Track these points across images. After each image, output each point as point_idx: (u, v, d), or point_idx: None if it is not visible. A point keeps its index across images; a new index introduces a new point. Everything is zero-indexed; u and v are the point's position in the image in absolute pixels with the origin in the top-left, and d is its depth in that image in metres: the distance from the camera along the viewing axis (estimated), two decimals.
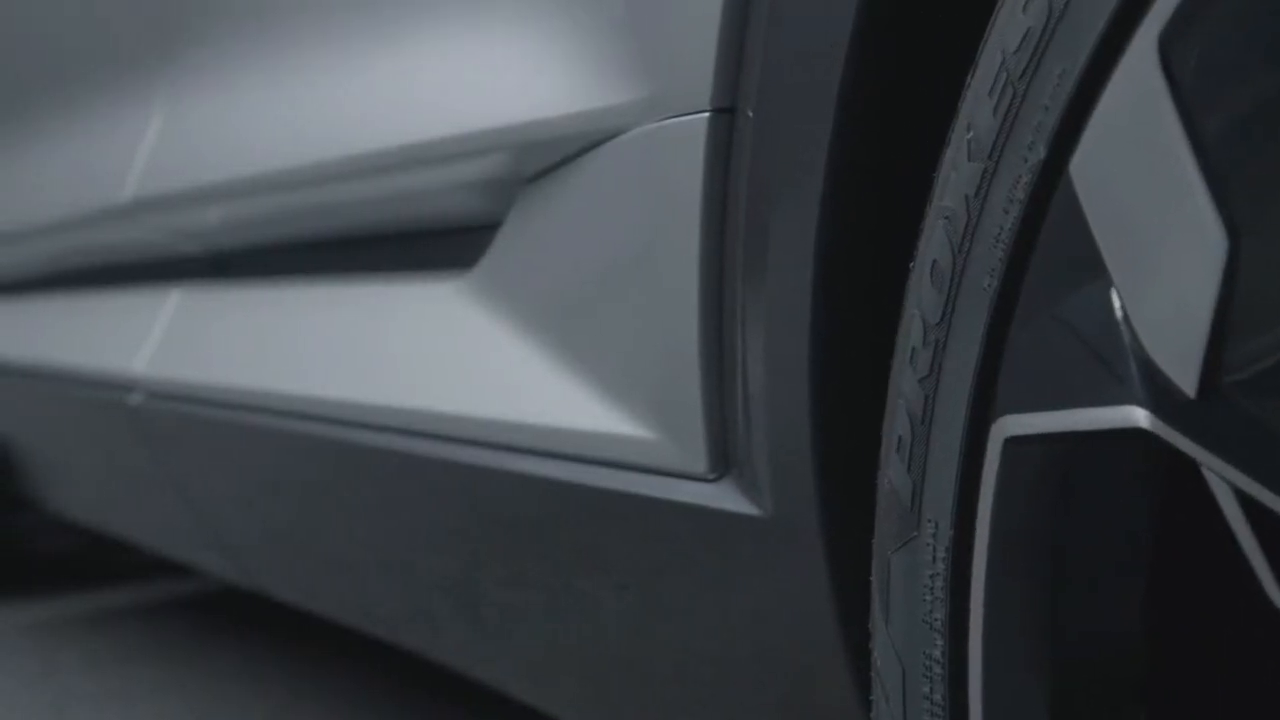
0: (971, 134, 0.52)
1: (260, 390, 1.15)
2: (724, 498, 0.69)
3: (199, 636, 2.24)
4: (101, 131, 1.32)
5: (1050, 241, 0.50)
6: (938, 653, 0.55)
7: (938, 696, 0.55)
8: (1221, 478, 0.44)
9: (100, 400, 1.30)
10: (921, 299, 0.54)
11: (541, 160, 0.83)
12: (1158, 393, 0.46)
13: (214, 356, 1.21)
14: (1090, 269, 0.48)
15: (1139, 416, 0.46)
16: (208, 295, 1.24)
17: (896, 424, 0.56)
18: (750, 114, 0.65)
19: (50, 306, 1.49)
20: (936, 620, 0.55)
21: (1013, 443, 0.51)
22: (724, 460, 0.69)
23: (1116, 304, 0.47)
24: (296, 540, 1.22)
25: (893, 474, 0.56)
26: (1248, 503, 0.44)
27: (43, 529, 3.22)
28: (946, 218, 0.53)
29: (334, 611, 1.18)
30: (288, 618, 2.16)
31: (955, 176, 0.53)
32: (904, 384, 0.55)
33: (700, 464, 0.70)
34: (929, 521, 0.55)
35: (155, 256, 1.30)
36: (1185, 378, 0.45)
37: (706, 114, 0.66)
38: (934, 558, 0.54)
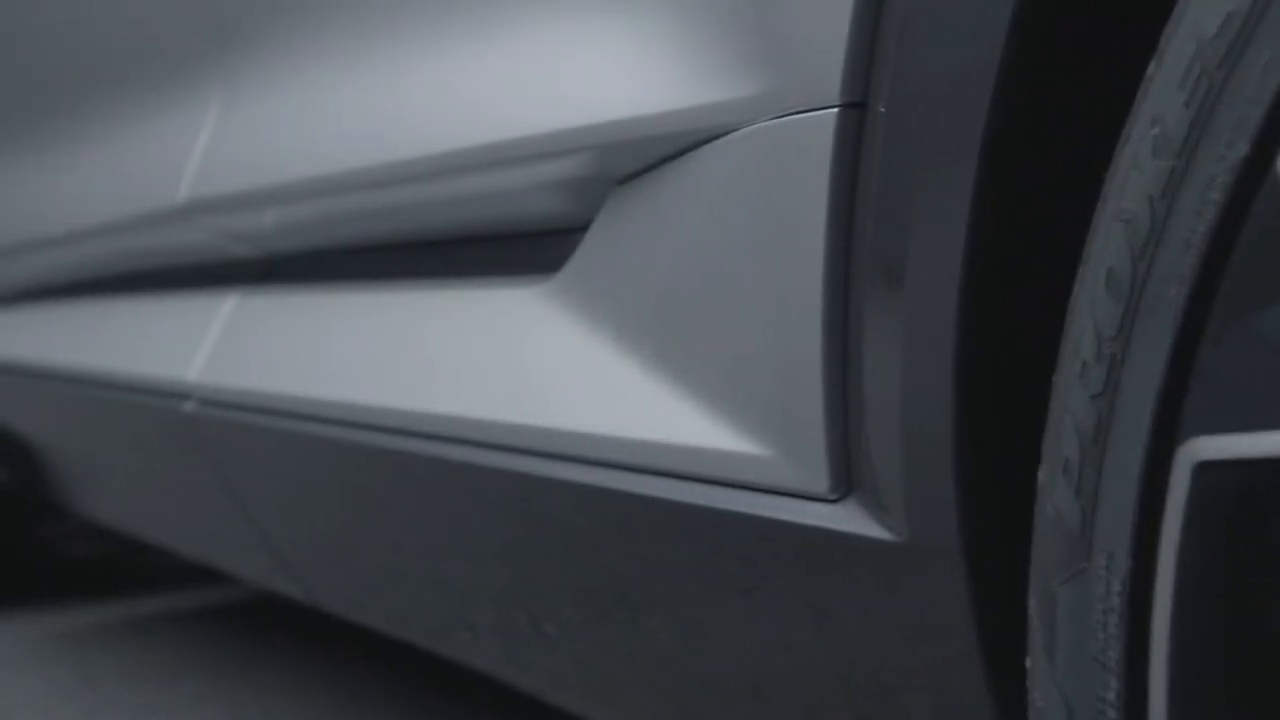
0: (1157, 129, 0.48)
1: (320, 399, 1.11)
2: (847, 519, 0.65)
3: (237, 645, 2.20)
4: (153, 133, 1.28)
5: (1252, 248, 0.45)
6: (1112, 695, 0.50)
7: None
8: None
9: (152, 407, 1.26)
10: (1095, 309, 0.50)
11: (636, 160, 0.79)
12: None
13: (271, 363, 1.17)
14: None
15: None
16: (264, 300, 1.20)
17: (1063, 444, 0.51)
18: (883, 109, 0.60)
19: (96, 311, 1.45)
20: (1110, 659, 0.50)
21: (1205, 468, 0.47)
22: (846, 479, 0.65)
23: None
24: (356, 553, 1.18)
25: (1058, 499, 0.52)
26: None
27: (72, 534, 3.19)
28: (1125, 220, 0.49)
29: (391, 626, 1.14)
30: (327, 624, 2.12)
31: (1137, 176, 0.48)
32: (1072, 401, 0.51)
33: (820, 483, 0.66)
34: (1102, 552, 0.50)
35: (209, 260, 1.26)
36: None
37: (834, 109, 0.61)
38: (1108, 591, 0.50)
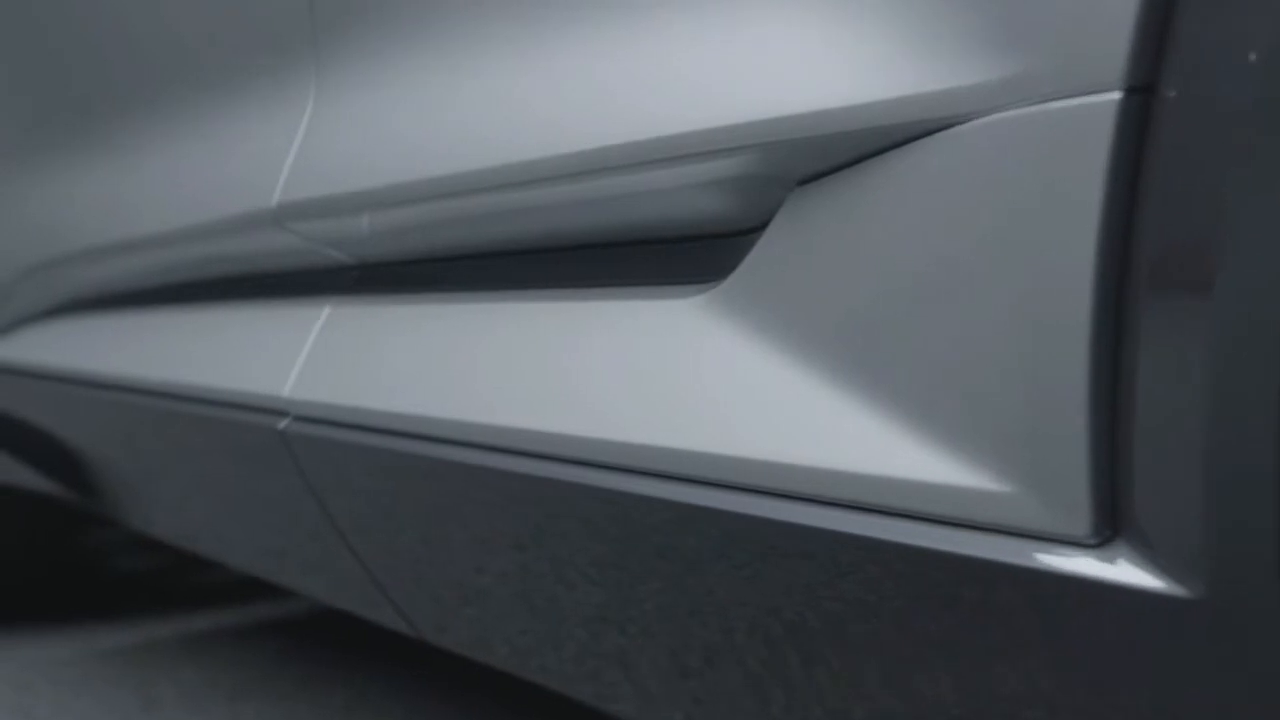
0: None
1: (429, 417, 1.03)
2: (1113, 568, 0.56)
3: (298, 662, 2.13)
4: (242, 133, 1.20)
5: None
6: None
7: None
8: None
9: (240, 424, 1.18)
10: None
11: (825, 157, 0.70)
12: None
13: (373, 378, 1.08)
14: None
15: None
16: (363, 310, 1.12)
17: None
18: (1173, 93, 0.52)
19: (174, 321, 1.37)
20: None
21: None
22: (1112, 520, 0.57)
23: None
24: (466, 585, 1.09)
25: None
26: None
27: (115, 546, 3.13)
28: None
29: (511, 665, 1.06)
30: (391, 639, 2.05)
31: None
32: None
33: (1078, 524, 0.57)
34: None
35: (301, 267, 1.18)
36: None
37: (1114, 95, 0.53)
38: None
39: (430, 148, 1.00)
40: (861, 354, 0.68)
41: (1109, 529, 0.57)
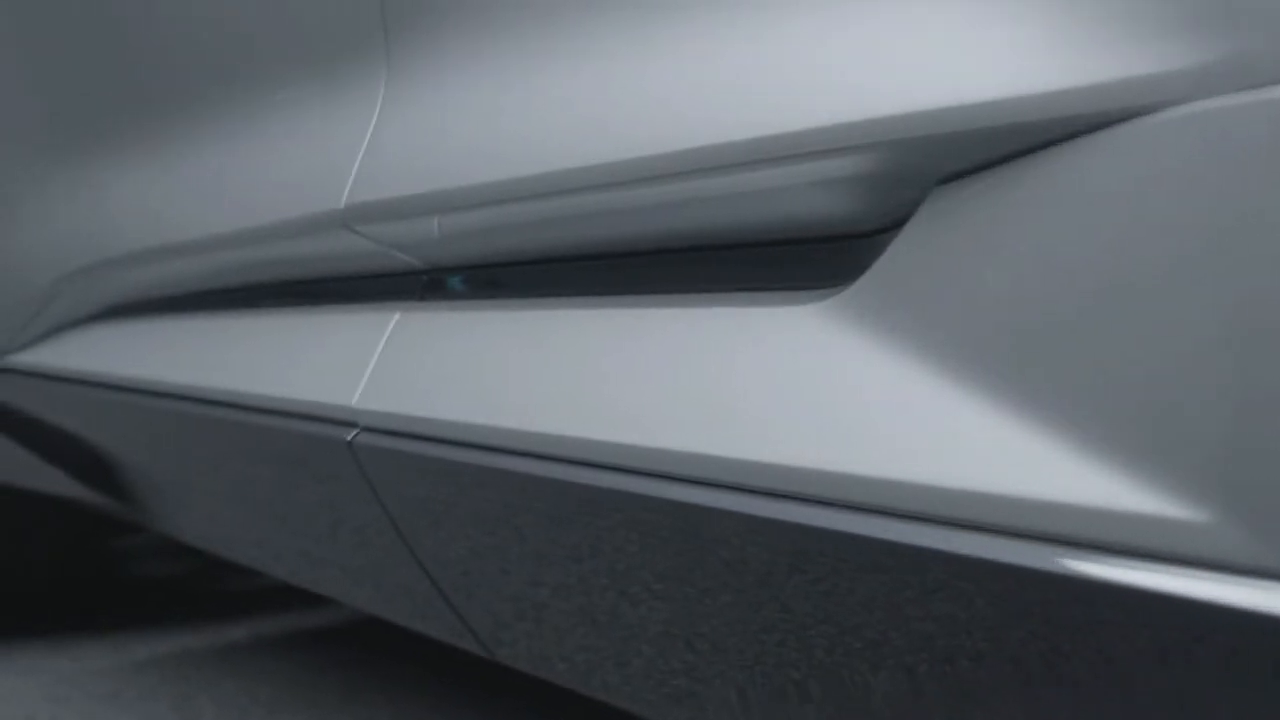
0: None
1: (506, 428, 0.98)
2: None
3: (337, 673, 2.07)
4: (307, 129, 1.14)
5: None
6: None
7: None
8: None
9: (306, 435, 1.12)
10: None
11: (975, 153, 0.65)
12: None
13: (447, 388, 1.03)
14: None
15: None
16: (439, 316, 1.06)
17: None
18: None
19: (230, 326, 1.31)
20: None
21: None
22: None
23: None
24: (549, 606, 1.04)
25: None
26: None
27: (145, 552, 3.08)
28: None
29: (600, 692, 1.01)
30: (435, 648, 2.00)
31: None
32: None
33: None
34: None
35: (370, 271, 1.13)
36: None
37: None
38: None
39: (514, 145, 0.94)
40: (1019, 366, 0.63)
41: None
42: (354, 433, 1.08)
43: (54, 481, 2.01)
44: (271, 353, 1.18)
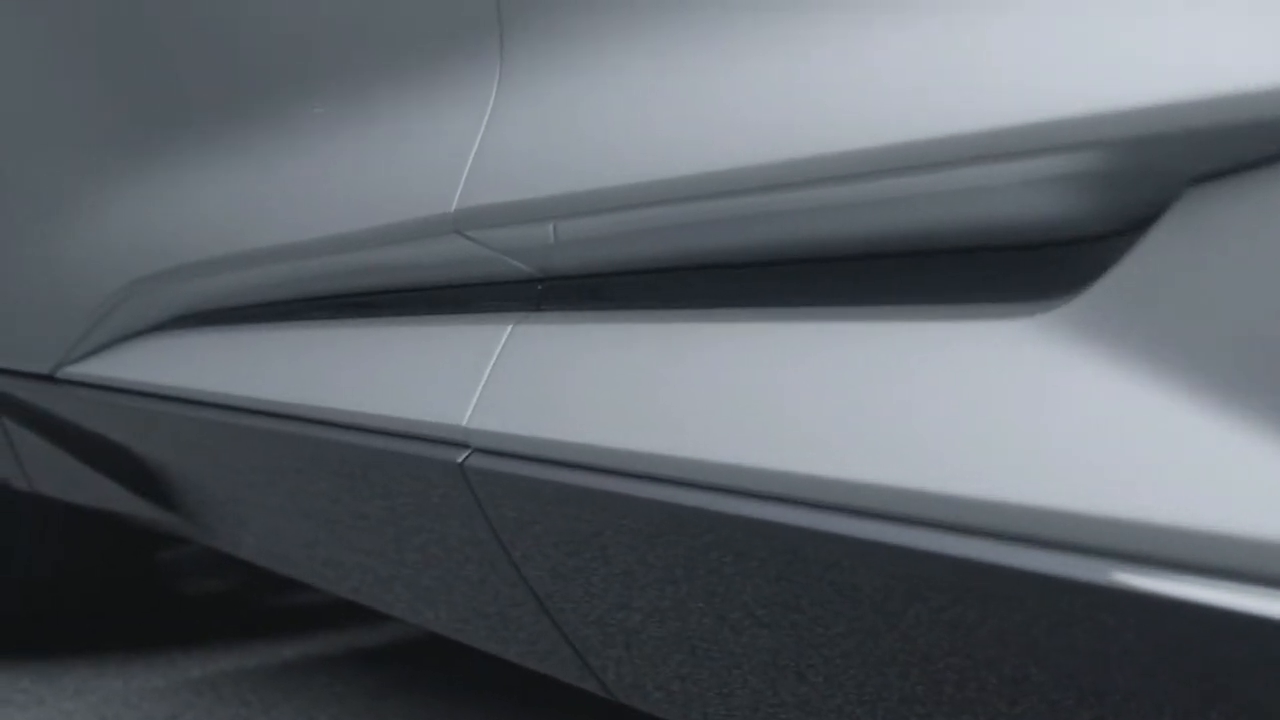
0: None
1: (643, 453, 0.90)
2: None
3: (401, 698, 2.00)
4: (409, 128, 1.06)
5: None
6: None
7: None
8: None
9: (411, 456, 1.05)
10: None
11: (1244, 148, 0.57)
12: None
13: (569, 406, 0.95)
14: None
15: None
16: (558, 329, 0.98)
17: None
18: None
19: (317, 338, 1.23)
20: None
21: None
22: None
23: None
24: (681, 646, 0.96)
25: None
26: None
27: (189, 566, 3.01)
28: None
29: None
30: (497, 670, 1.92)
31: None
32: None
33: None
34: None
35: (481, 279, 1.04)
36: None
37: None
38: None
39: (661, 144, 0.86)
40: None
41: None
42: (466, 454, 1.01)
43: (106, 496, 1.94)
44: (369, 367, 1.10)
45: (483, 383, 1.00)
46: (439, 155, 1.02)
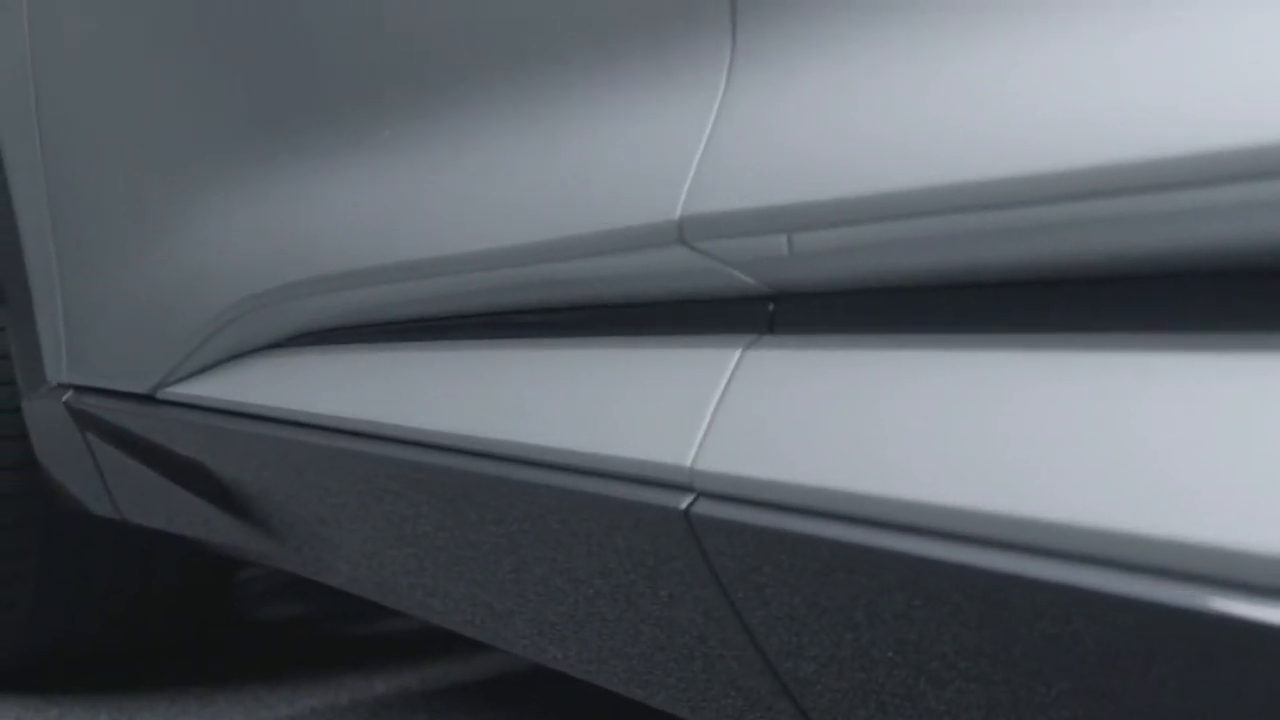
0: None
1: (902, 500, 0.77)
2: None
3: None
4: (617, 126, 0.93)
5: None
6: None
7: None
8: None
9: (619, 499, 0.92)
10: None
11: None
12: None
13: (818, 446, 0.82)
14: None
15: None
16: (797, 355, 0.86)
17: None
18: None
19: (484, 360, 1.10)
20: None
21: None
22: None
23: None
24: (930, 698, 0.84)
25: None
26: None
27: (260, 594, 2.89)
28: None
29: None
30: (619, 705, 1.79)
31: None
32: None
33: None
34: None
35: (700, 296, 0.92)
36: None
37: None
38: None
39: (933, 144, 0.73)
40: None
41: None
42: (690, 499, 0.87)
43: (199, 522, 1.82)
44: (564, 396, 0.97)
45: (708, 417, 0.87)
46: (656, 156, 0.89)
